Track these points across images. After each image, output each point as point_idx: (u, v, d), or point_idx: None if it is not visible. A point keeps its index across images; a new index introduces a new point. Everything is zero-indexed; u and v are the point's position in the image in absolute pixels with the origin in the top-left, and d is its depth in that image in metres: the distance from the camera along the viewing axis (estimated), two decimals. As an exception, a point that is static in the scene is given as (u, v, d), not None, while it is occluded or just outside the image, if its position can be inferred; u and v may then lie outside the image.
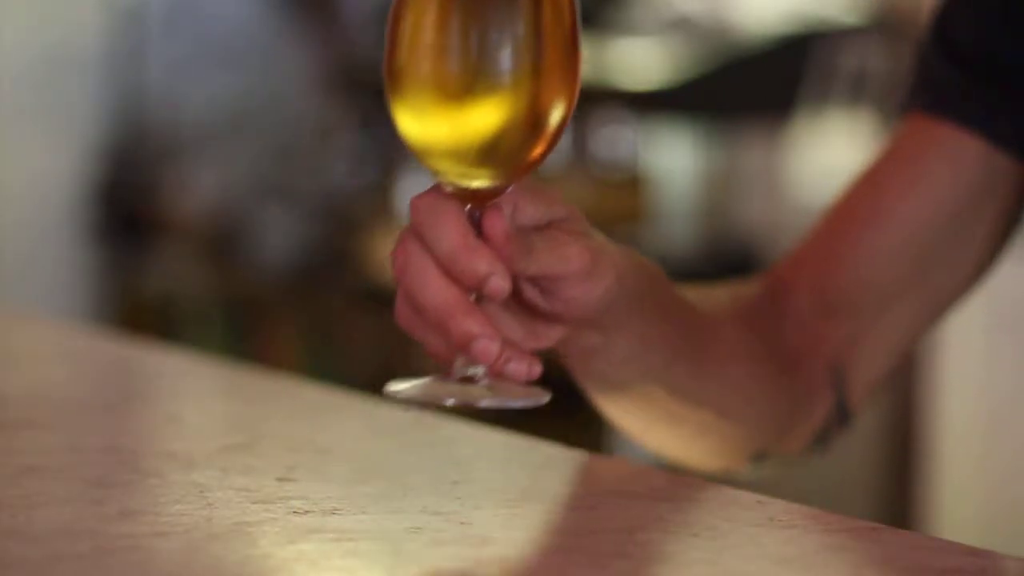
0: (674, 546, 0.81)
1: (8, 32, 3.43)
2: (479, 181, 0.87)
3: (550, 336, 0.93)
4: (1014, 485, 3.16)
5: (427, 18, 0.86)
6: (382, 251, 3.76)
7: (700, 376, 1.03)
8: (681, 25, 3.91)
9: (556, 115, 0.87)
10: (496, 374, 0.88)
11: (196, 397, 1.23)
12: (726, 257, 3.50)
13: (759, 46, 3.60)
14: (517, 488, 0.88)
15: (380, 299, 3.61)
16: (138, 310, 3.84)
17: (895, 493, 3.34)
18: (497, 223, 0.86)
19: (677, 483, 0.94)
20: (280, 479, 0.93)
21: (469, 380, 0.88)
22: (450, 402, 0.87)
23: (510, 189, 0.88)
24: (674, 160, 3.70)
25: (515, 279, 0.88)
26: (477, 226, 0.87)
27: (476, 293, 0.86)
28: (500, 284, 0.86)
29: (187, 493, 0.90)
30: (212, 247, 3.87)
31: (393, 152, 3.90)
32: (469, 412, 1.28)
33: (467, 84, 0.86)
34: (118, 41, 3.70)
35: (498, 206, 0.87)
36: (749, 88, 3.57)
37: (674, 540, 0.82)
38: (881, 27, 3.47)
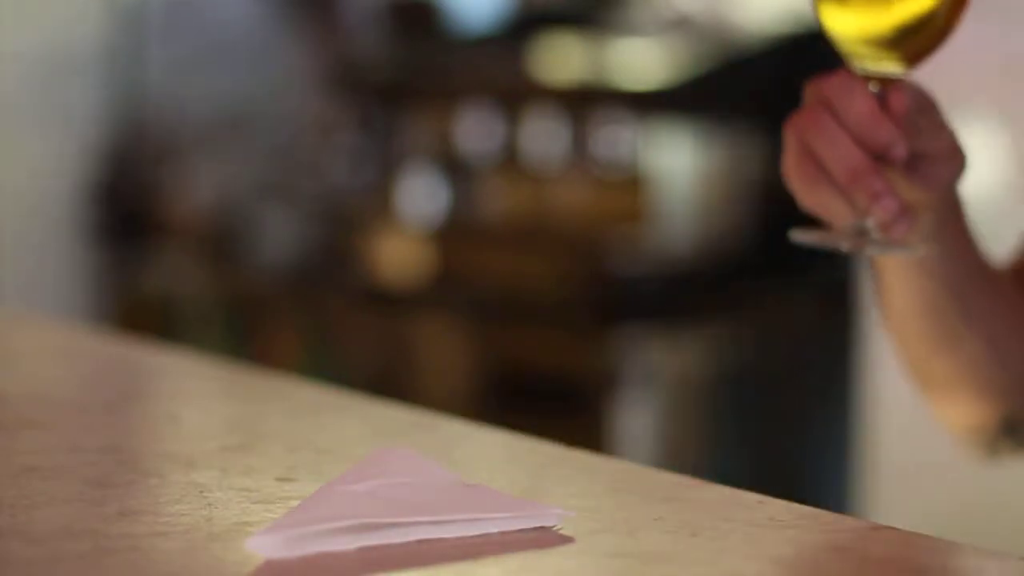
0: (674, 546, 0.81)
1: (8, 32, 3.43)
2: (887, 65, 1.02)
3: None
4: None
5: None
6: (382, 251, 3.76)
7: (979, 308, 1.16)
8: (681, 25, 3.91)
9: (954, 14, 1.02)
10: (887, 230, 1.02)
11: (196, 397, 1.23)
12: (726, 257, 3.50)
13: (759, 46, 3.60)
14: (518, 488, 0.88)
15: (380, 299, 3.61)
16: (138, 310, 3.84)
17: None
18: (901, 100, 1.01)
19: (677, 483, 0.94)
20: (280, 479, 0.93)
21: (862, 232, 1.03)
22: (845, 247, 1.03)
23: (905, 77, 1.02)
24: (674, 160, 3.70)
25: None
26: (880, 104, 1.01)
27: (880, 159, 1.01)
28: (901, 152, 1.01)
29: (187, 493, 0.90)
30: (212, 247, 3.87)
31: (393, 152, 3.90)
32: (470, 412, 1.28)
33: None
34: (118, 41, 3.70)
35: (902, 84, 1.02)
36: (749, 88, 3.56)
37: (674, 540, 0.82)
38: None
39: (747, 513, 0.87)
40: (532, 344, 3.25)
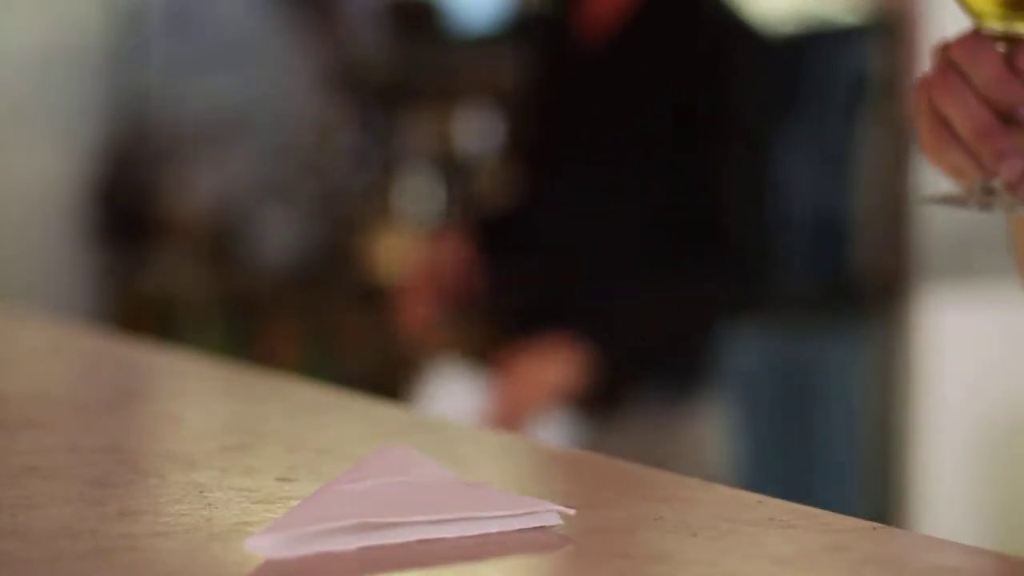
0: (674, 546, 0.81)
1: (8, 32, 3.43)
2: (1015, 25, 1.01)
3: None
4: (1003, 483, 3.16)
5: None
6: (382, 251, 3.76)
7: None
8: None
9: None
10: (1011, 188, 1.02)
11: (196, 397, 1.23)
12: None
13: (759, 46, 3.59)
14: (518, 488, 0.88)
15: (380, 299, 3.61)
16: (138, 310, 3.84)
17: (886, 492, 3.34)
18: None
19: (677, 483, 0.94)
20: (280, 479, 0.93)
21: (989, 191, 1.03)
22: (973, 206, 1.03)
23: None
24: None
25: None
26: (1010, 64, 1.01)
27: (1008, 119, 1.01)
28: None
29: (187, 493, 0.90)
30: (212, 247, 3.87)
31: (393, 152, 3.90)
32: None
33: None
34: (118, 41, 3.71)
35: None
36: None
37: (674, 540, 0.82)
38: (881, 27, 3.47)
39: (747, 513, 0.87)
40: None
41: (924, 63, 1.07)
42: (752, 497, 0.90)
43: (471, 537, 0.81)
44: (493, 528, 0.82)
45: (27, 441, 1.03)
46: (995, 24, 1.03)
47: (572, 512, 0.84)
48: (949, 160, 1.05)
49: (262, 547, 0.78)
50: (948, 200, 1.05)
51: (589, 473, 0.98)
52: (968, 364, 3.18)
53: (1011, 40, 1.03)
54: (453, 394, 2.40)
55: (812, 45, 3.49)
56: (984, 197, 1.04)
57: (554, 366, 2.32)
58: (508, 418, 2.32)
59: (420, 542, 0.80)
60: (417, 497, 0.84)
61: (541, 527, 0.83)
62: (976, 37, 1.03)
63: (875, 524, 0.85)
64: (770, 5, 3.74)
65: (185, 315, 3.82)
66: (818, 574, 0.78)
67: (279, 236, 3.85)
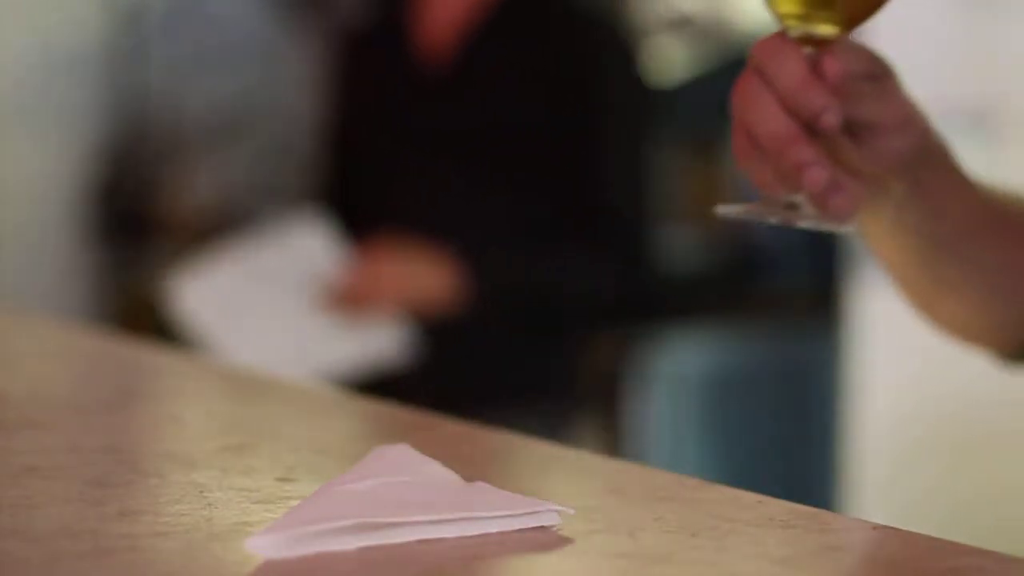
0: (674, 546, 0.81)
1: (8, 32, 3.43)
2: (822, 27, 0.96)
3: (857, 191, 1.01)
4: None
5: None
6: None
7: (980, 257, 1.12)
8: (681, 25, 3.90)
9: None
10: (819, 204, 0.96)
11: (196, 397, 1.23)
12: (727, 257, 3.50)
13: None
14: (518, 488, 0.88)
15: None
16: (138, 310, 3.84)
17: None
18: (835, 64, 0.95)
19: (677, 483, 0.94)
20: (280, 479, 0.93)
21: (792, 206, 0.97)
22: (774, 220, 0.97)
23: (839, 43, 0.96)
24: (674, 160, 3.70)
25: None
26: (815, 68, 0.95)
27: (811, 127, 0.94)
28: (834, 118, 0.94)
29: (187, 493, 0.90)
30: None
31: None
32: (472, 411, 1.28)
33: None
34: (118, 41, 3.70)
35: (834, 50, 0.96)
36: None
37: (674, 540, 0.82)
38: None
39: (747, 513, 0.87)
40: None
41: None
42: (752, 497, 0.90)
43: (471, 537, 0.81)
44: (493, 528, 0.82)
45: (27, 441, 1.03)
46: (800, 25, 0.97)
47: (572, 512, 0.84)
48: (755, 170, 0.99)
49: (262, 547, 0.78)
50: (748, 213, 0.99)
51: (589, 473, 0.98)
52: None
53: (816, 43, 0.97)
54: (308, 246, 2.38)
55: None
56: (787, 211, 0.98)
57: (424, 269, 2.33)
58: (355, 297, 2.32)
59: (420, 542, 0.80)
60: (417, 497, 0.84)
61: (541, 527, 0.83)
62: (779, 39, 0.97)
63: (875, 524, 0.85)
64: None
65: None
66: (818, 574, 0.78)
67: (279, 236, 3.85)
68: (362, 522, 0.80)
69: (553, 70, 2.40)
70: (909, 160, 1.02)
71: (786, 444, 3.47)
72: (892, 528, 0.84)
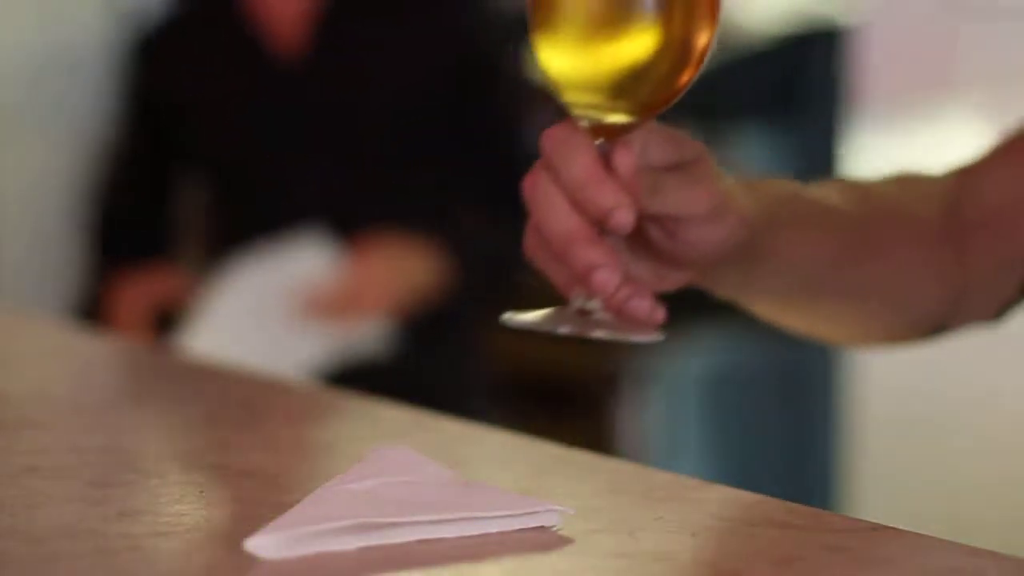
0: (674, 546, 0.81)
1: (8, 32, 3.43)
2: (613, 116, 0.88)
3: (677, 279, 0.96)
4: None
5: None
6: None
7: (858, 271, 1.05)
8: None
9: (700, 44, 0.88)
10: (616, 310, 0.89)
11: (196, 397, 1.23)
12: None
13: (759, 46, 3.60)
14: (518, 488, 0.88)
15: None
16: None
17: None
18: (626, 157, 0.88)
19: (677, 483, 0.94)
20: (280, 479, 0.93)
21: (586, 313, 0.89)
22: (564, 330, 0.88)
23: (640, 129, 0.90)
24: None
25: (640, 218, 0.90)
26: (606, 161, 0.88)
27: (601, 226, 0.88)
28: (625, 217, 0.87)
29: (187, 493, 0.90)
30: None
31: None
32: (472, 411, 1.27)
33: (614, 14, 0.86)
34: (118, 41, 3.71)
35: (628, 141, 0.89)
36: (749, 88, 3.57)
37: (674, 540, 0.82)
38: (881, 27, 3.46)
39: (747, 513, 0.87)
40: (532, 344, 3.25)
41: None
42: (752, 497, 0.90)
43: (471, 537, 0.81)
44: (493, 528, 0.82)
45: (27, 441, 1.03)
46: (590, 113, 0.89)
47: (572, 512, 0.84)
48: (550, 272, 0.91)
49: (262, 547, 0.78)
50: (537, 323, 0.89)
51: (589, 473, 0.98)
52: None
53: (609, 132, 0.89)
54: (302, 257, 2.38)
55: (811, 45, 3.49)
56: (581, 320, 0.89)
57: (410, 263, 2.32)
58: (346, 304, 2.31)
59: (420, 542, 0.80)
60: (417, 497, 0.84)
61: (541, 527, 0.83)
62: (568, 129, 0.89)
63: (875, 524, 0.85)
64: (768, 5, 3.74)
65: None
66: (818, 574, 0.78)
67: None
68: (362, 522, 0.80)
69: (419, 37, 2.36)
70: (730, 246, 0.94)
71: (786, 444, 3.47)
72: (892, 528, 0.84)
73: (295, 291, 2.33)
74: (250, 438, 1.05)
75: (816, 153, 3.44)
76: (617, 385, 3.33)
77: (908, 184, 1.13)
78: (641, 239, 0.93)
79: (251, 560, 0.77)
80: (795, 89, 3.45)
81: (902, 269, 1.08)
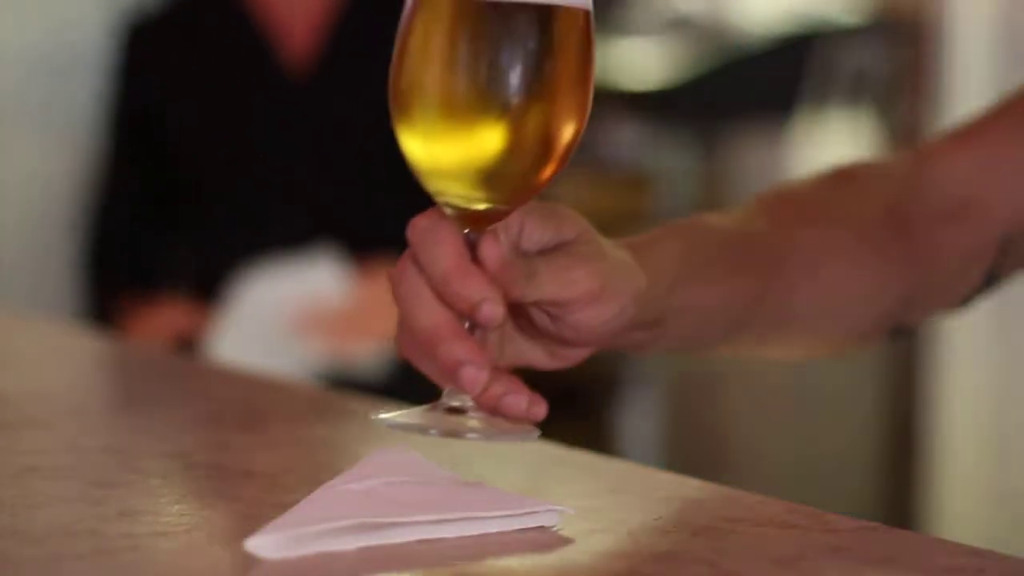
0: (674, 546, 0.81)
1: (8, 32, 3.43)
2: (481, 204, 0.85)
3: (574, 356, 0.93)
4: (1015, 481, 3.16)
5: (435, 37, 0.83)
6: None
7: (785, 299, 1.02)
8: (681, 25, 3.91)
9: (565, 138, 0.85)
10: (489, 407, 0.85)
11: (195, 397, 1.23)
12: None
13: (759, 46, 3.60)
14: (518, 488, 0.88)
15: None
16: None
17: (895, 491, 3.34)
18: (493, 249, 0.84)
19: (677, 483, 0.94)
20: (280, 479, 0.93)
21: (459, 411, 0.85)
22: (433, 433, 0.84)
23: (516, 211, 0.86)
24: (674, 160, 3.70)
25: (523, 305, 0.87)
26: (474, 250, 0.84)
27: (469, 320, 0.84)
28: (493, 311, 0.83)
29: (187, 493, 0.90)
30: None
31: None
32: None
33: (475, 104, 0.83)
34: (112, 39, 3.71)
35: (495, 232, 0.85)
36: (749, 88, 3.57)
37: (674, 540, 0.82)
38: (881, 27, 3.47)
39: (747, 513, 0.87)
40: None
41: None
42: (752, 497, 0.90)
43: (471, 537, 0.81)
44: (493, 528, 0.82)
45: (27, 441, 1.03)
46: (457, 203, 0.85)
47: (572, 512, 0.84)
48: (423, 367, 0.87)
49: (262, 547, 0.78)
50: (406, 424, 0.85)
51: (589, 473, 0.98)
52: (972, 361, 3.18)
53: (478, 220, 0.85)
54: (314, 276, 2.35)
55: (811, 45, 3.49)
56: (450, 418, 0.85)
57: None
58: (350, 324, 2.28)
59: (420, 542, 0.80)
60: (417, 497, 0.84)
61: (541, 527, 0.83)
62: (434, 218, 0.85)
63: (875, 524, 0.85)
64: (768, 5, 3.74)
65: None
66: (818, 574, 0.78)
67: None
68: (362, 522, 0.80)
69: None
70: (621, 323, 0.90)
71: (785, 443, 3.47)
72: (892, 528, 0.84)
73: (302, 307, 2.33)
74: (250, 438, 1.05)
75: (816, 153, 3.44)
76: (617, 385, 3.33)
77: (847, 184, 1.10)
78: (530, 321, 0.90)
79: (251, 560, 0.77)
80: (795, 89, 3.45)
81: (834, 285, 1.05)
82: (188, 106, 2.41)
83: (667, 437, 3.53)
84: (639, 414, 3.51)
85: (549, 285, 0.86)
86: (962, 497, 3.18)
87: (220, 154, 2.38)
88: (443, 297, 0.84)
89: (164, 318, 2.36)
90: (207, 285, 2.37)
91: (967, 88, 3.06)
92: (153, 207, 2.47)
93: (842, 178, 1.10)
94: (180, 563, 0.78)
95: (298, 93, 2.34)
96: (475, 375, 0.83)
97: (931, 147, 1.12)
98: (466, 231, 0.85)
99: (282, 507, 0.84)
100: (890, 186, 1.09)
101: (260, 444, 1.03)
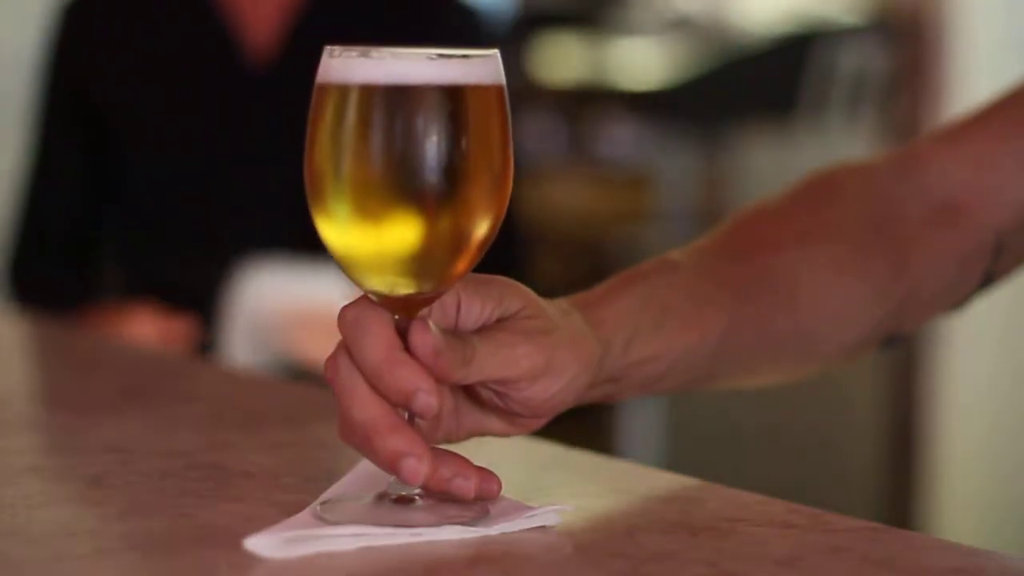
0: (674, 546, 0.81)
1: (8, 32, 3.43)
2: (406, 290, 0.82)
3: (534, 423, 0.90)
4: (1017, 484, 3.16)
5: (343, 124, 0.81)
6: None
7: (765, 328, 1.00)
8: (681, 25, 3.91)
9: (480, 232, 0.82)
10: (439, 491, 0.83)
11: (196, 397, 1.23)
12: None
13: (759, 46, 3.60)
14: (518, 488, 0.88)
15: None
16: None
17: (895, 492, 3.34)
18: (422, 337, 0.81)
19: (677, 483, 0.94)
20: (280, 479, 0.93)
21: (407, 500, 0.83)
22: (383, 539, 0.80)
23: (452, 288, 0.84)
24: (674, 160, 3.70)
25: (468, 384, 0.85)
26: (406, 337, 0.82)
27: (405, 410, 0.82)
28: (427, 402, 0.81)
29: (187, 493, 0.90)
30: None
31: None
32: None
33: (386, 193, 0.80)
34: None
35: (423, 319, 0.82)
36: (749, 88, 3.57)
37: (674, 540, 0.82)
38: (881, 27, 3.47)
39: (747, 513, 0.87)
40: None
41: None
42: (752, 497, 0.90)
43: (471, 537, 0.81)
44: (493, 528, 0.82)
45: (27, 441, 1.03)
46: (382, 288, 0.83)
47: (572, 512, 0.84)
48: (363, 454, 0.84)
49: (262, 547, 0.78)
50: (354, 519, 0.82)
51: (589, 473, 0.98)
52: (982, 362, 3.18)
53: (404, 304, 0.82)
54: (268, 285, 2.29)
55: (811, 45, 3.49)
56: (397, 509, 0.83)
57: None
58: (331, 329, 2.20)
59: (420, 542, 0.80)
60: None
61: (541, 527, 0.83)
62: (364, 307, 0.83)
63: (875, 524, 0.85)
64: (768, 5, 3.75)
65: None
66: (818, 574, 0.78)
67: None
68: (362, 531, 0.80)
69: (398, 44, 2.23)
70: (574, 392, 0.88)
71: (785, 443, 3.47)
72: (892, 528, 0.84)
73: (301, 309, 2.31)
74: (250, 438, 1.05)
75: (816, 153, 3.44)
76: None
77: (827, 195, 1.08)
78: (479, 396, 0.88)
79: (251, 560, 0.77)
80: (795, 89, 3.45)
81: (817, 304, 1.03)
82: (130, 89, 2.24)
83: (667, 437, 3.53)
84: (639, 414, 3.51)
85: (489, 365, 0.84)
86: (962, 497, 3.18)
87: (168, 142, 2.23)
88: (376, 389, 0.82)
89: (133, 327, 2.23)
90: (151, 286, 2.21)
91: (967, 88, 3.07)
92: (91, 200, 2.28)
93: (822, 189, 1.08)
94: (180, 563, 0.78)
95: (257, 82, 2.22)
96: (415, 467, 0.81)
97: (919, 148, 1.11)
98: (396, 317, 0.82)
99: (282, 507, 0.84)
100: (874, 193, 1.08)
101: (260, 444, 1.03)
